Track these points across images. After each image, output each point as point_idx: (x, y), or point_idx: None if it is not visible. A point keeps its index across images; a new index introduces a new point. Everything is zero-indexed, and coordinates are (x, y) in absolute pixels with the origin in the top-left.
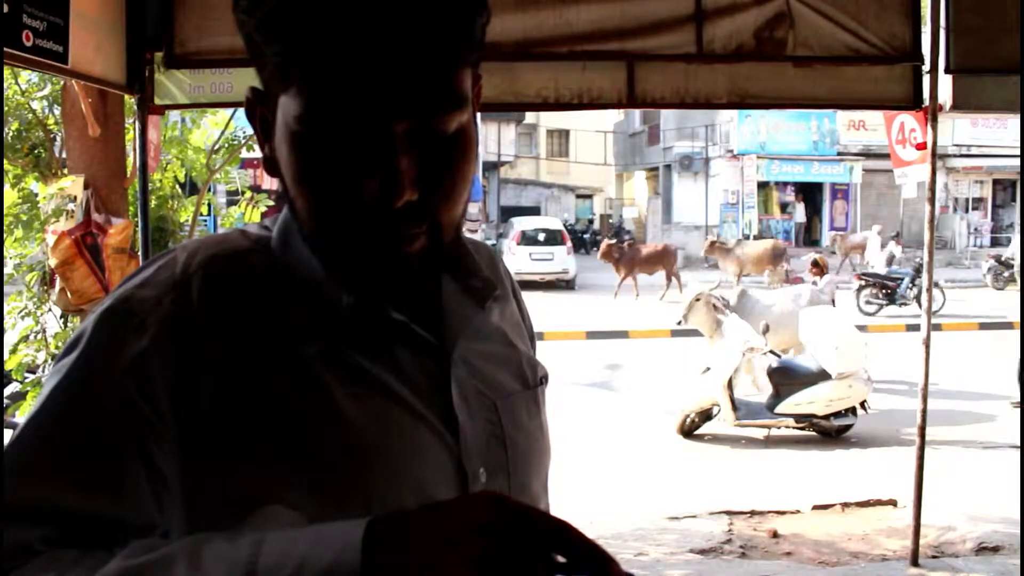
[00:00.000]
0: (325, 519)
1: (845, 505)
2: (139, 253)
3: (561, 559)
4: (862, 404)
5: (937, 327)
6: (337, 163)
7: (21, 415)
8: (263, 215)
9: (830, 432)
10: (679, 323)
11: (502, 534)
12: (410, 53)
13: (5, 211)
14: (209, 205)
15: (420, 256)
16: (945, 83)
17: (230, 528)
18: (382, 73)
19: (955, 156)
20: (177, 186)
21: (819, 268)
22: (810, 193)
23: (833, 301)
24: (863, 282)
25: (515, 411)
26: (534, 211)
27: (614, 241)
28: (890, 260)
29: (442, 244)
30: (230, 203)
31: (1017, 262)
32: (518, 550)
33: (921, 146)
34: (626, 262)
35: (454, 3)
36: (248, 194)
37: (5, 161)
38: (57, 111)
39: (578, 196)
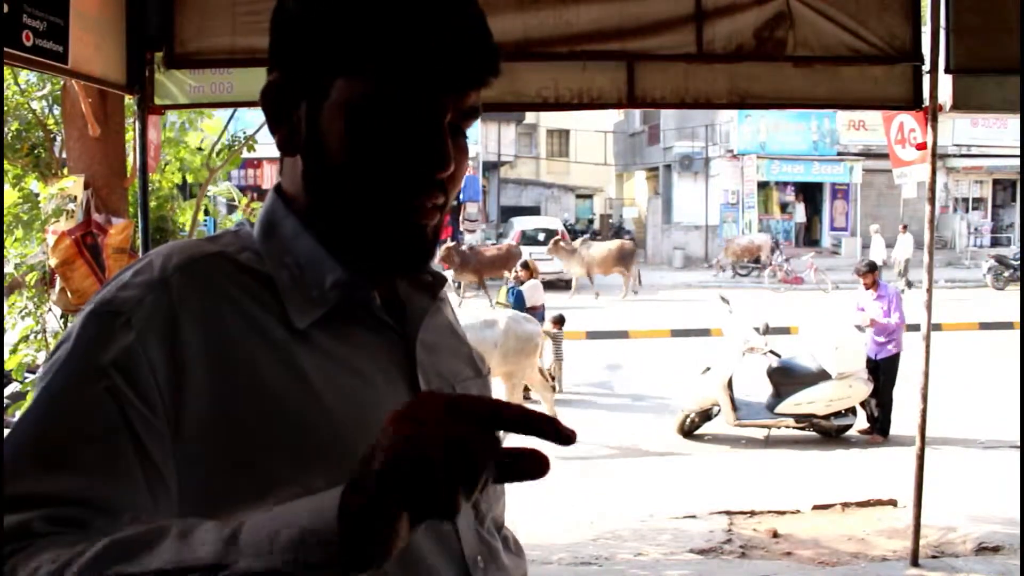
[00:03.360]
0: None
1: (845, 505)
2: (139, 253)
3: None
4: (862, 404)
5: (937, 327)
6: (398, 133)
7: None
8: None
9: (830, 432)
10: None
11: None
12: (467, 43)
13: (5, 211)
14: (206, 209)
15: (431, 233)
16: (945, 83)
17: (224, 512)
18: (446, 59)
19: (955, 156)
20: (175, 188)
21: (528, 271)
22: (810, 193)
23: (543, 306)
24: None
25: None
26: (534, 211)
27: (453, 244)
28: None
29: (441, 226)
30: (230, 209)
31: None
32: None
33: (921, 146)
34: (472, 267)
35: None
36: (244, 201)
37: (5, 161)
38: (57, 111)
39: (578, 196)
